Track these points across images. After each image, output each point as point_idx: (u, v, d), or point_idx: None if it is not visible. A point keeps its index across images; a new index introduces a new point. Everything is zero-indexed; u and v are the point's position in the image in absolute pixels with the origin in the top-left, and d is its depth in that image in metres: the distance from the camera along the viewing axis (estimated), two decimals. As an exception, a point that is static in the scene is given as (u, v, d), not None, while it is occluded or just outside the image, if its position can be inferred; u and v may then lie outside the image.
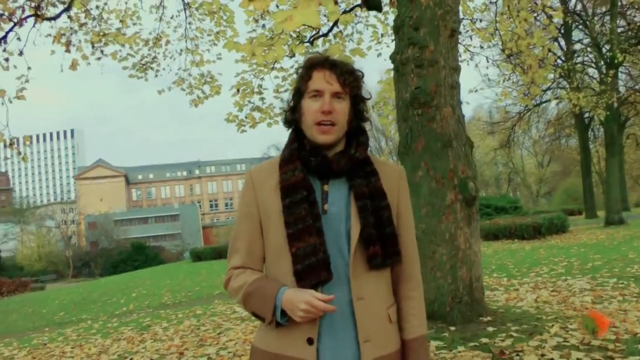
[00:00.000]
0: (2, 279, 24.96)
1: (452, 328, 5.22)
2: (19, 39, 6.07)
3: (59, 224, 65.62)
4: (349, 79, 1.78)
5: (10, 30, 5.65)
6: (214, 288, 15.62)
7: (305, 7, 1.67)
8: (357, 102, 1.84)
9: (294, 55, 9.80)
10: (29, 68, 6.13)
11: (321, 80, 1.75)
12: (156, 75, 10.34)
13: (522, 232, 17.71)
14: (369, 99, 1.89)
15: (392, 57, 6.31)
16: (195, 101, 10.39)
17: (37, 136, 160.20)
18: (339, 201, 1.79)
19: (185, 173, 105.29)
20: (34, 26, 5.74)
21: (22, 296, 19.23)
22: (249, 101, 9.85)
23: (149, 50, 10.12)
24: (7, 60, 5.92)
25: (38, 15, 5.59)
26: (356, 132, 1.86)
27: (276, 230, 1.76)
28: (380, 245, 1.77)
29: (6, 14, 5.37)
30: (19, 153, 6.33)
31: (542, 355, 4.26)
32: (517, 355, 4.32)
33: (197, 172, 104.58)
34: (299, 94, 1.81)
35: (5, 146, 6.17)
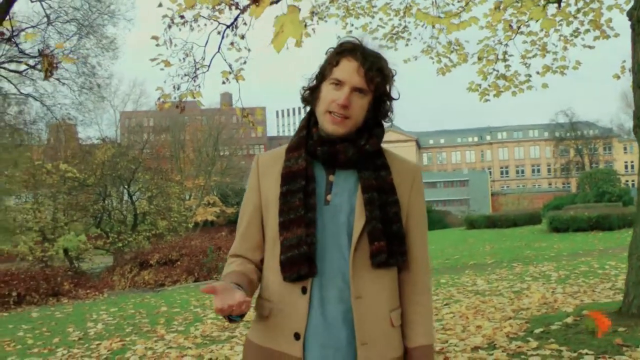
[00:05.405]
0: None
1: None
2: (245, 23, 6.77)
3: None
4: (377, 77, 1.67)
5: (238, 16, 6.34)
6: (472, 258, 15.43)
7: (291, 12, 1.63)
8: (381, 101, 1.73)
9: (539, 19, 9.10)
10: (248, 50, 6.82)
11: (346, 70, 1.67)
12: (406, 45, 10.48)
13: None
14: (396, 99, 1.76)
15: (630, 14, 5.44)
16: (442, 70, 10.29)
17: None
18: (342, 193, 1.72)
19: (476, 139, 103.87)
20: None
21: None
22: (493, 69, 9.42)
23: (400, 20, 10.29)
24: (232, 44, 6.66)
25: (256, 1, 6.10)
26: (372, 124, 1.75)
27: (273, 219, 1.73)
28: (386, 242, 1.67)
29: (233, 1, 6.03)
30: (250, 122, 7.11)
31: None
32: None
33: (488, 137, 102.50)
34: (322, 75, 1.73)
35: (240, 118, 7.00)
